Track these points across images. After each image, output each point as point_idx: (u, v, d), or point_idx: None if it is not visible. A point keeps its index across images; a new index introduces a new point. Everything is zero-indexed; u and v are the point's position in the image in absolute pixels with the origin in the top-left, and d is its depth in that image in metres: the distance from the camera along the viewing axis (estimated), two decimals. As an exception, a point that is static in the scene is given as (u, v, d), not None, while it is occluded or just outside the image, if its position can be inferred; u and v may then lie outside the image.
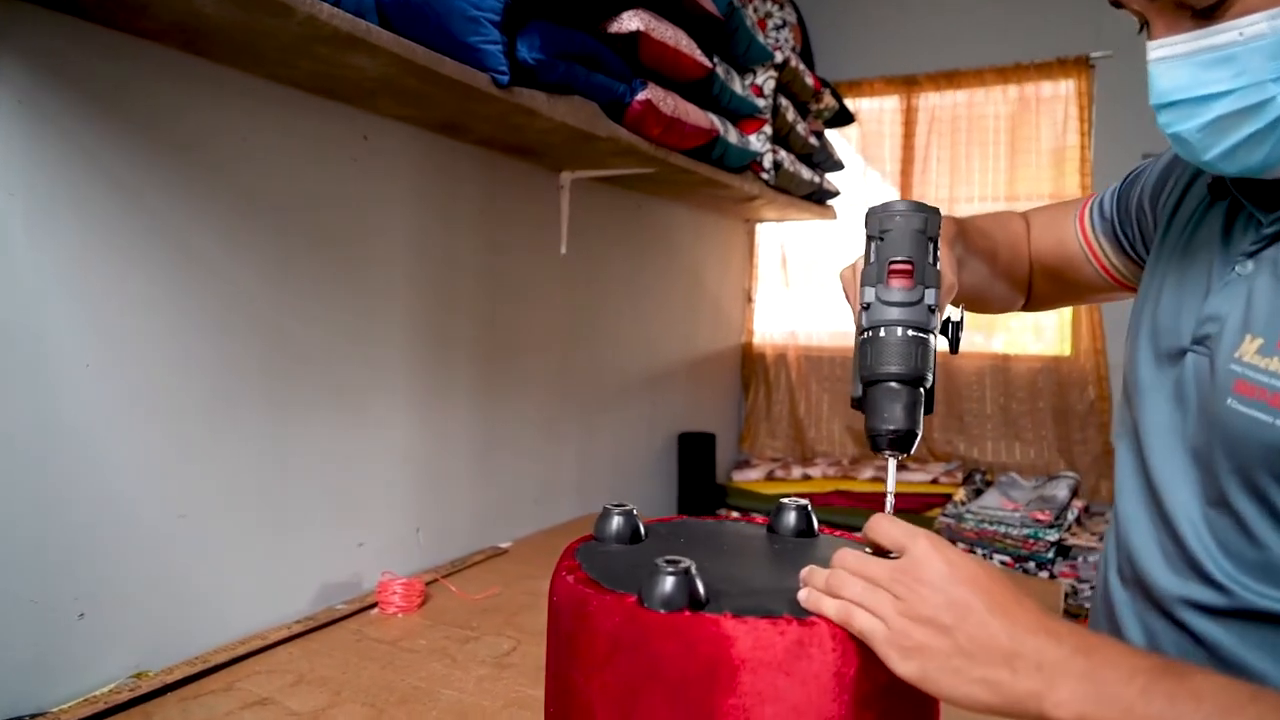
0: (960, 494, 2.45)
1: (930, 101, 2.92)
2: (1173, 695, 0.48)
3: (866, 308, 0.69)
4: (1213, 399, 0.64)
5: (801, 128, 2.35)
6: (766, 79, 2.17)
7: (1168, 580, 0.68)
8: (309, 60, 1.13)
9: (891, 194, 2.99)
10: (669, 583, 0.58)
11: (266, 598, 1.29)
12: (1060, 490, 2.38)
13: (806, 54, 2.67)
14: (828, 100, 2.55)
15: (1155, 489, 0.70)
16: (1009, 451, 2.81)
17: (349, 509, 1.44)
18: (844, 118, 2.71)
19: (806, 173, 2.42)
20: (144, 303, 1.10)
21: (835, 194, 2.69)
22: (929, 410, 0.69)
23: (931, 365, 0.68)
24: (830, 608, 0.57)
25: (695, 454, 2.63)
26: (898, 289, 0.67)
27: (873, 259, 0.70)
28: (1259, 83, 0.57)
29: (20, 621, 0.99)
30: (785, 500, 0.80)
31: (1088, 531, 2.29)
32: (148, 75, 1.09)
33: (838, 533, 0.80)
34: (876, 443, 0.68)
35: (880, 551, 0.61)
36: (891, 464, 0.69)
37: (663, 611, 0.57)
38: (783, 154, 2.27)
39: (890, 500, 0.68)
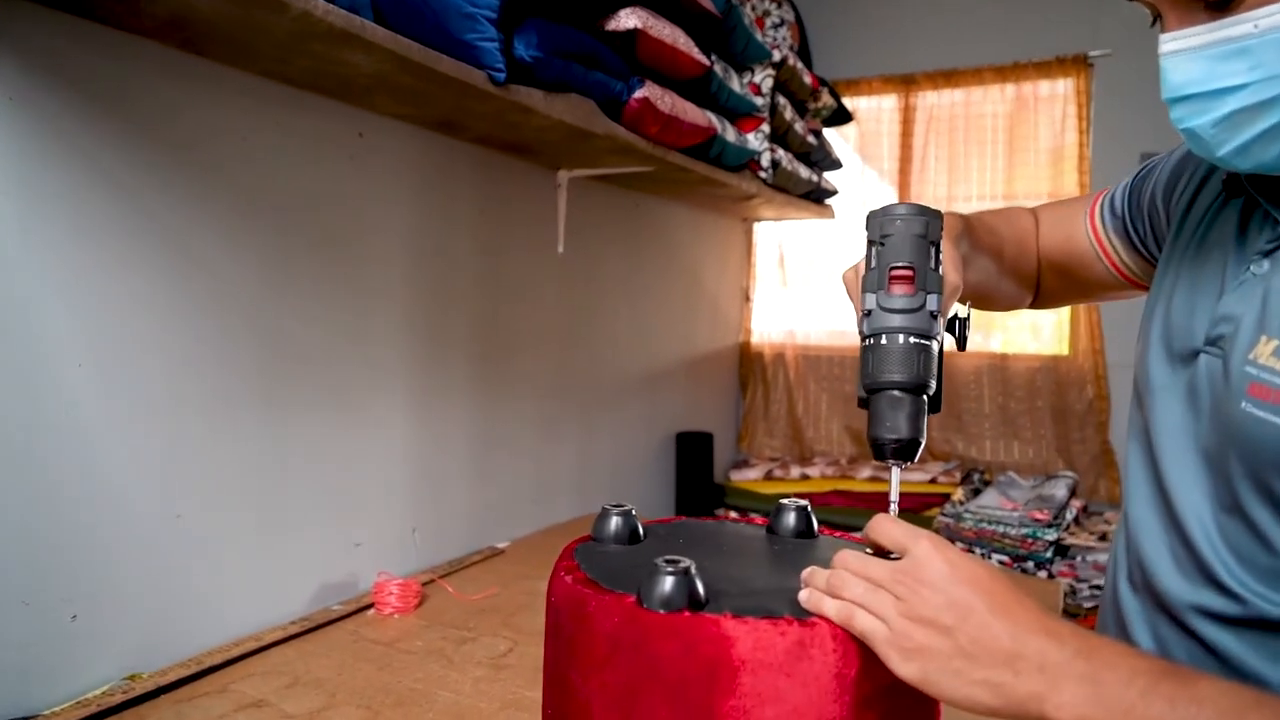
0: (958, 493, 2.45)
1: (928, 100, 2.91)
2: (1174, 698, 0.47)
3: (868, 314, 0.68)
4: (1226, 401, 0.62)
5: (799, 126, 2.34)
6: (764, 77, 2.16)
7: (1179, 587, 0.67)
8: (304, 57, 1.12)
9: (889, 193, 2.98)
10: (668, 583, 0.57)
11: (262, 598, 1.29)
12: (1058, 490, 2.37)
13: (804, 53, 2.67)
14: (826, 99, 2.55)
15: (1166, 493, 0.69)
16: (1007, 451, 2.80)
17: (345, 509, 1.43)
18: (842, 116, 2.71)
19: (804, 171, 2.41)
20: (138, 301, 1.09)
21: (833, 193, 2.68)
22: (935, 409, 0.69)
23: (934, 372, 0.67)
24: (831, 608, 0.57)
25: (693, 454, 2.62)
26: (899, 295, 0.66)
27: (873, 264, 0.69)
28: (1275, 76, 0.56)
29: (11, 623, 0.98)
30: (785, 501, 0.79)
31: (1086, 531, 2.29)
32: (143, 73, 1.08)
33: (838, 533, 0.80)
34: (880, 451, 0.67)
35: (881, 552, 0.60)
36: (895, 472, 0.68)
37: (662, 612, 0.57)
38: (781, 153, 2.27)
39: (894, 509, 0.67)
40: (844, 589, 0.57)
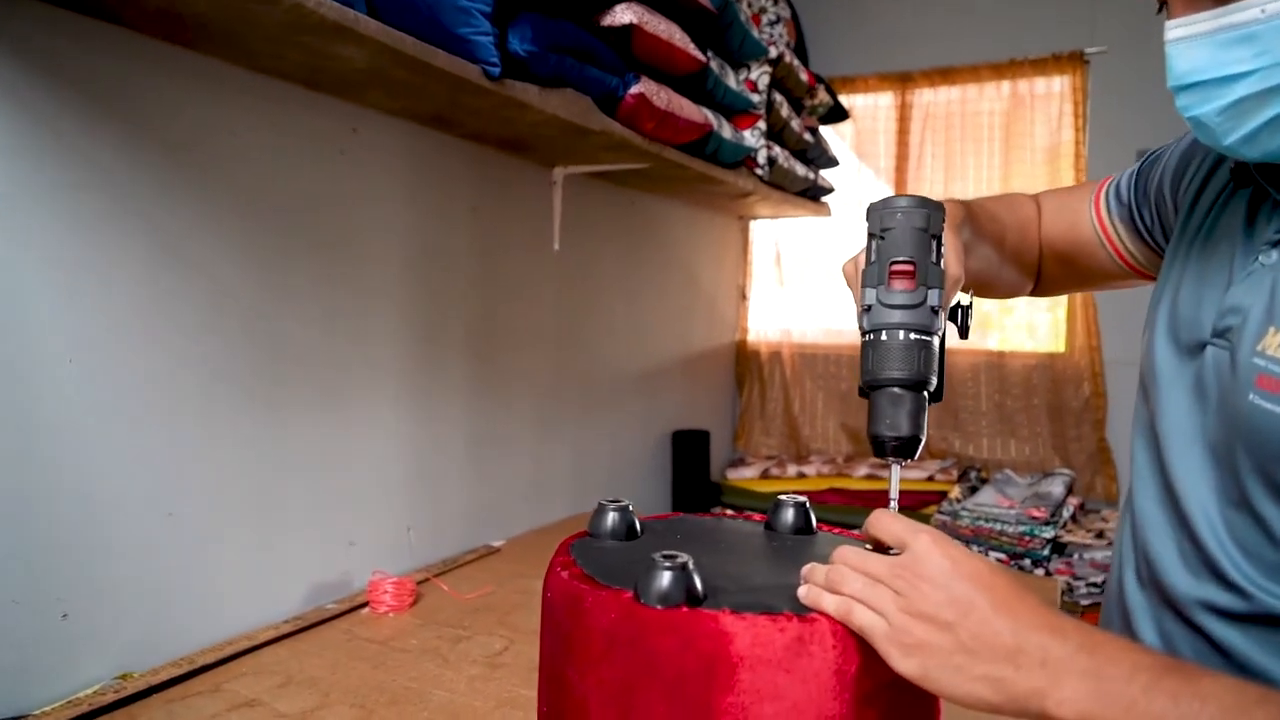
0: (956, 491, 2.45)
1: (925, 98, 2.91)
2: (1177, 694, 0.47)
3: (868, 309, 0.67)
4: (1233, 394, 0.61)
5: (796, 124, 2.34)
6: (761, 74, 2.15)
7: (1185, 583, 0.66)
8: (297, 50, 1.11)
9: (886, 191, 2.98)
10: (666, 578, 0.57)
11: (255, 597, 1.28)
12: (1055, 487, 2.37)
13: (800, 50, 2.66)
14: (822, 96, 2.54)
15: (1172, 487, 0.68)
16: (1004, 448, 2.80)
17: (340, 507, 1.42)
18: (838, 114, 2.71)
19: (801, 169, 2.41)
20: (129, 297, 1.08)
21: (829, 190, 2.68)
22: (938, 399, 0.68)
23: (935, 368, 0.66)
24: (830, 603, 0.56)
25: (689, 452, 2.61)
26: (899, 291, 0.66)
27: (874, 258, 0.68)
28: None
29: (2, 622, 0.97)
30: (784, 497, 0.79)
31: (1083, 528, 2.29)
32: (133, 67, 1.07)
33: (836, 530, 0.79)
34: (880, 449, 0.67)
35: (881, 548, 0.60)
36: (895, 469, 0.68)
37: (659, 607, 0.56)
38: (777, 150, 2.26)
39: (894, 505, 0.67)
40: (843, 584, 0.56)
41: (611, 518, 0.73)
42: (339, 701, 1.03)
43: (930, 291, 0.66)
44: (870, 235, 0.69)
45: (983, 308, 2.79)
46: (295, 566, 1.35)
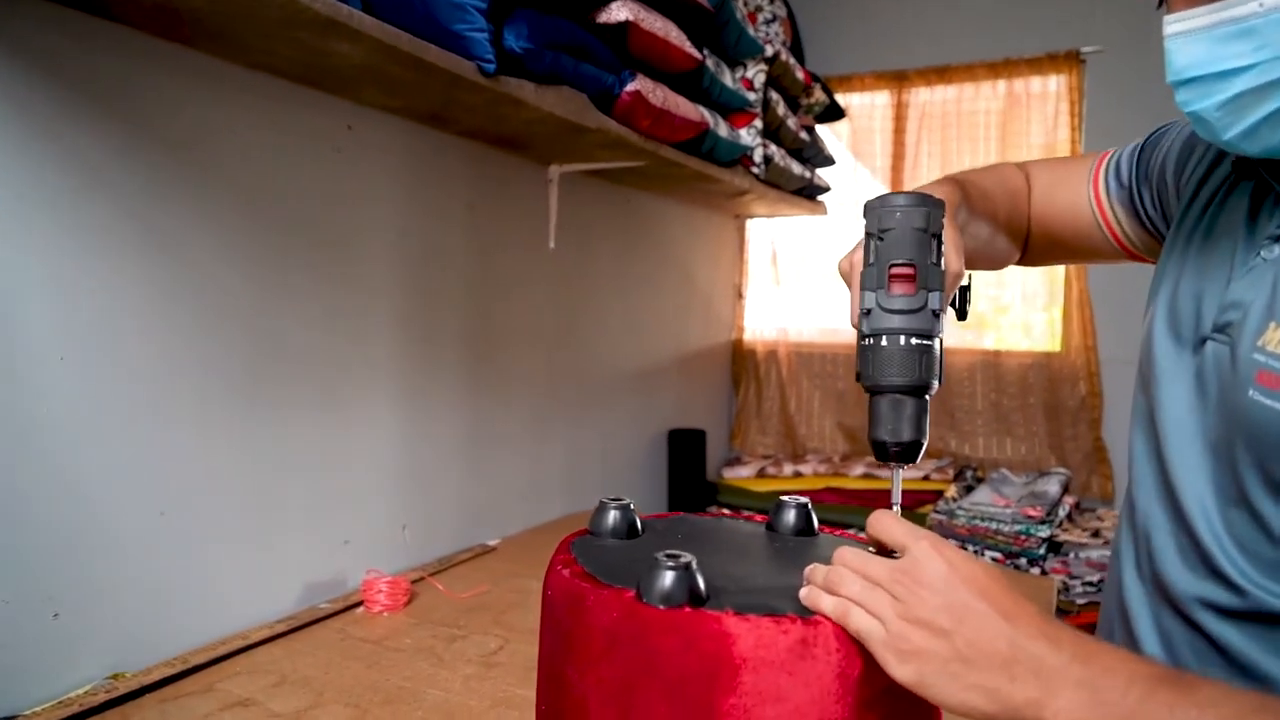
0: (952, 490, 2.45)
1: (921, 97, 2.91)
2: (1173, 705, 0.46)
3: (867, 313, 0.66)
4: (1234, 389, 0.61)
5: (792, 122, 2.34)
6: (757, 73, 2.15)
7: (1184, 579, 0.66)
8: (291, 47, 1.10)
9: (882, 190, 2.97)
10: (669, 578, 0.56)
11: (248, 596, 1.27)
12: (1051, 486, 2.37)
13: (797, 48, 2.66)
14: (818, 95, 2.54)
15: (1171, 482, 0.67)
16: (1000, 448, 2.80)
17: (334, 506, 1.42)
18: (834, 113, 2.70)
19: (797, 168, 2.40)
20: (121, 295, 1.08)
21: (825, 189, 2.68)
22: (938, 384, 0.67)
23: (937, 371, 0.65)
24: (828, 605, 0.56)
25: (685, 451, 2.61)
26: (899, 295, 0.64)
27: (872, 260, 0.66)
28: None
29: (-8, 622, 0.96)
30: (785, 498, 0.78)
31: (1079, 528, 2.29)
32: (129, 65, 1.06)
33: (838, 531, 0.79)
34: (882, 453, 0.66)
35: (884, 551, 0.59)
36: (896, 474, 0.67)
37: (662, 607, 0.55)
38: (773, 148, 2.26)
39: (896, 509, 0.66)
40: (841, 586, 0.56)
41: (613, 516, 0.72)
42: (333, 701, 1.02)
43: (930, 295, 0.65)
44: (868, 235, 0.67)
45: (979, 308, 2.79)
46: (289, 565, 1.34)
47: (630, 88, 1.52)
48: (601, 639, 0.58)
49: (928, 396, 0.65)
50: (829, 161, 2.68)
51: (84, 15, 1.01)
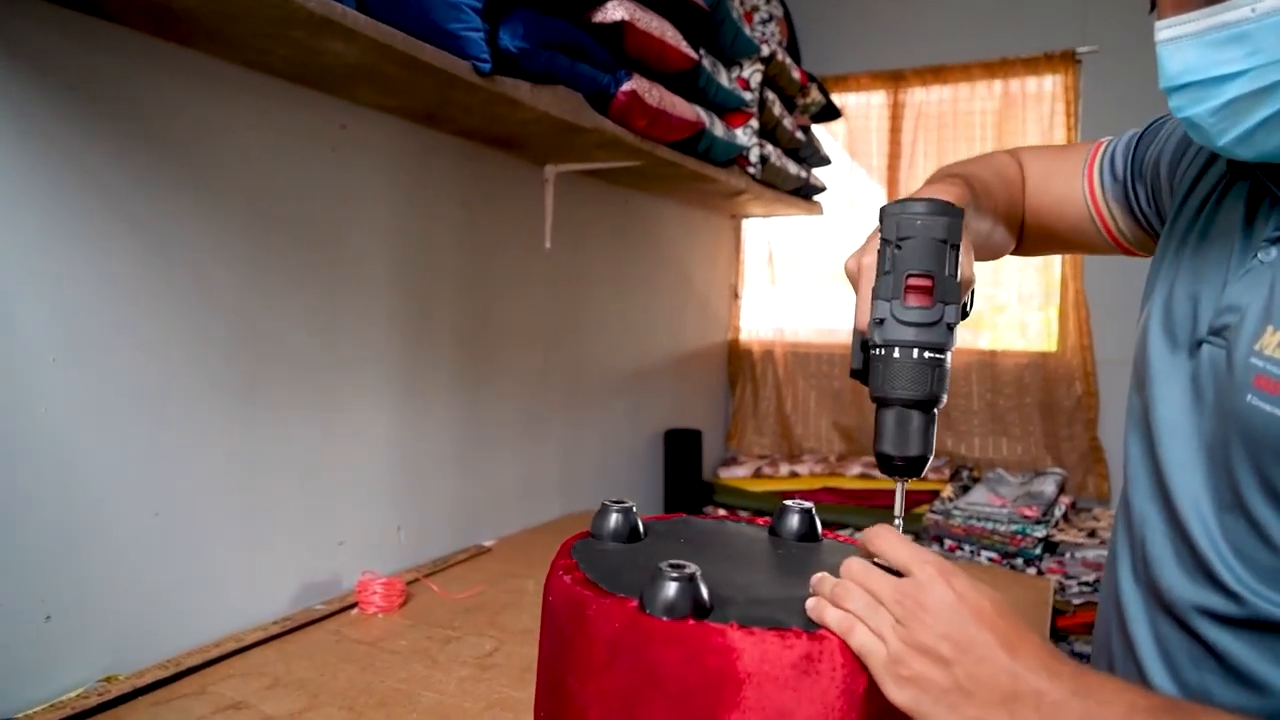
0: (948, 490, 2.45)
1: (917, 97, 2.91)
2: None
3: (880, 322, 0.64)
4: (1230, 394, 0.60)
5: (788, 122, 2.33)
6: (753, 72, 2.15)
7: (1181, 585, 0.65)
8: (286, 45, 1.10)
9: (878, 190, 2.97)
10: (672, 589, 0.55)
11: (243, 598, 1.26)
12: (1047, 486, 2.37)
13: (793, 48, 2.66)
14: (814, 95, 2.53)
15: (1166, 486, 0.67)
16: (996, 448, 2.80)
17: (328, 507, 1.41)
18: (830, 113, 2.70)
19: (793, 167, 2.40)
20: (113, 296, 1.07)
21: (822, 189, 2.68)
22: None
23: (947, 386, 0.64)
24: (833, 619, 0.55)
25: (682, 451, 2.61)
26: (915, 308, 0.62)
27: (888, 268, 0.64)
28: (1274, 62, 0.54)
29: (-17, 624, 0.95)
30: (789, 503, 0.78)
31: (1075, 528, 2.29)
32: (122, 63, 1.06)
33: (842, 537, 0.78)
34: (887, 467, 0.65)
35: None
36: (900, 487, 0.66)
37: (665, 619, 0.55)
38: (769, 148, 2.26)
39: (899, 523, 0.65)
40: (847, 599, 0.55)
41: (614, 519, 0.72)
42: (327, 703, 1.02)
43: (947, 308, 0.63)
44: (885, 241, 0.64)
45: (975, 307, 2.79)
46: (283, 567, 1.33)
47: (626, 87, 1.52)
48: (603, 650, 0.57)
49: (935, 410, 0.64)
50: (825, 161, 2.68)
51: (79, 14, 1.00)
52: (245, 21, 1.01)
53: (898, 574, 0.56)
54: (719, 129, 1.93)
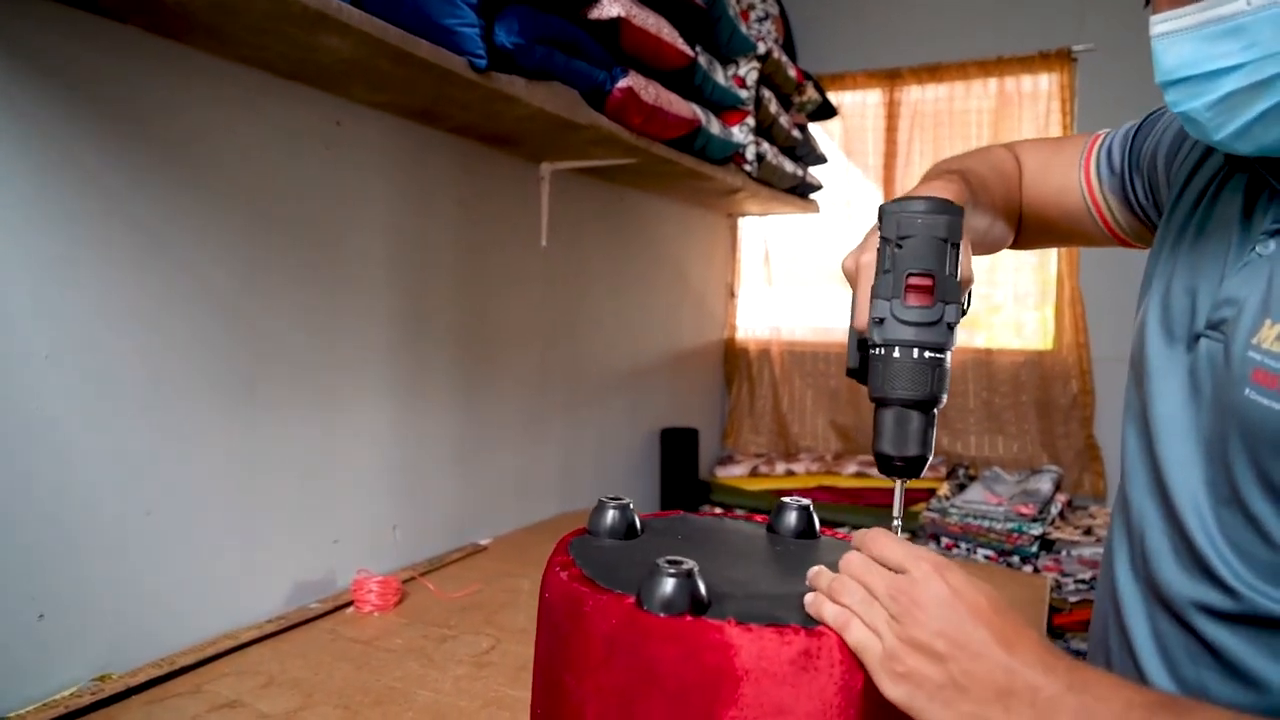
0: (944, 488, 2.45)
1: (913, 95, 2.91)
2: None
3: (879, 322, 0.63)
4: (1228, 388, 0.60)
5: (784, 120, 2.33)
6: (749, 70, 2.15)
7: (1178, 581, 0.64)
8: (280, 41, 1.09)
9: (875, 188, 2.97)
10: (670, 585, 0.55)
11: (237, 596, 1.26)
12: (1043, 484, 2.37)
13: (789, 46, 2.66)
14: (810, 93, 2.53)
15: (1164, 481, 0.66)
16: (992, 446, 2.80)
17: (324, 505, 1.41)
18: (827, 111, 2.70)
19: (789, 166, 2.40)
20: (106, 292, 1.06)
21: (818, 188, 2.67)
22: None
23: (946, 385, 0.64)
24: (829, 614, 0.55)
25: (678, 450, 2.60)
26: (916, 307, 0.62)
27: (888, 266, 0.63)
28: (1270, 55, 0.53)
29: (-25, 623, 0.95)
30: (787, 499, 0.77)
31: (1071, 525, 2.29)
32: (114, 57, 1.05)
33: (840, 534, 0.78)
34: (885, 467, 0.65)
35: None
36: (899, 487, 0.66)
37: (663, 615, 0.54)
38: (765, 146, 2.25)
39: (897, 524, 0.65)
40: (843, 594, 0.55)
41: (612, 515, 0.71)
42: (322, 702, 1.01)
43: (947, 308, 0.62)
44: (884, 239, 0.64)
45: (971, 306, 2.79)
46: (278, 565, 1.33)
47: (622, 84, 1.52)
48: (600, 646, 0.57)
49: (935, 411, 0.64)
50: (821, 160, 2.68)
51: (73, 10, 1.00)
52: (239, 16, 1.00)
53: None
54: (715, 126, 1.92)
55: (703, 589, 0.56)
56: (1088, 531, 2.24)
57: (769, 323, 3.13)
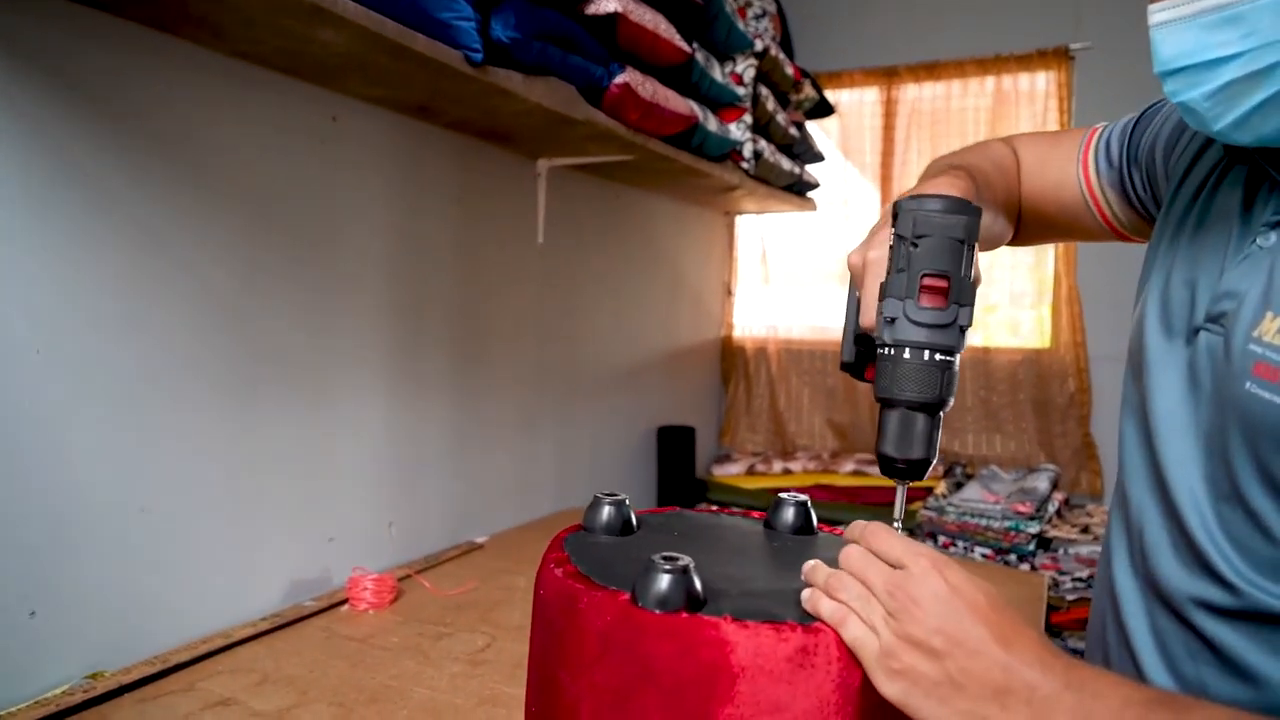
0: (941, 487, 2.45)
1: (910, 94, 2.91)
2: None
3: (891, 321, 0.62)
4: (1229, 382, 0.59)
5: (781, 118, 2.33)
6: (746, 67, 2.14)
7: (1178, 577, 0.64)
8: (275, 35, 1.08)
9: (870, 188, 2.97)
10: (665, 581, 0.54)
11: (231, 594, 1.25)
12: (1041, 482, 2.37)
13: (786, 44, 2.65)
14: (808, 91, 2.53)
15: (1163, 476, 0.66)
16: (989, 444, 2.80)
17: (319, 503, 1.40)
18: (824, 109, 2.70)
19: (786, 163, 2.40)
20: (99, 288, 1.05)
21: (815, 185, 2.67)
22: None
23: (954, 388, 0.62)
24: (826, 609, 0.54)
25: (675, 448, 2.60)
26: (929, 309, 0.60)
27: (902, 265, 0.61)
28: (1270, 43, 0.52)
29: (-34, 620, 0.94)
30: (784, 495, 0.77)
31: (1068, 524, 2.29)
32: (109, 52, 1.04)
33: (838, 531, 0.77)
34: (889, 469, 0.64)
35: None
36: (901, 490, 0.65)
37: (658, 611, 0.54)
38: (763, 144, 2.25)
39: (898, 525, 0.64)
40: (841, 590, 0.55)
41: (607, 511, 0.71)
42: (317, 700, 1.01)
43: (961, 310, 0.61)
44: (899, 237, 0.62)
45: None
46: (273, 563, 1.32)
47: (619, 80, 1.51)
48: (595, 643, 0.56)
49: (941, 414, 0.63)
50: (818, 158, 2.67)
51: (70, 4, 0.99)
52: (235, 9, 0.99)
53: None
54: (712, 123, 1.92)
55: (699, 585, 0.56)
56: (1085, 530, 2.23)
57: (766, 321, 3.13)
